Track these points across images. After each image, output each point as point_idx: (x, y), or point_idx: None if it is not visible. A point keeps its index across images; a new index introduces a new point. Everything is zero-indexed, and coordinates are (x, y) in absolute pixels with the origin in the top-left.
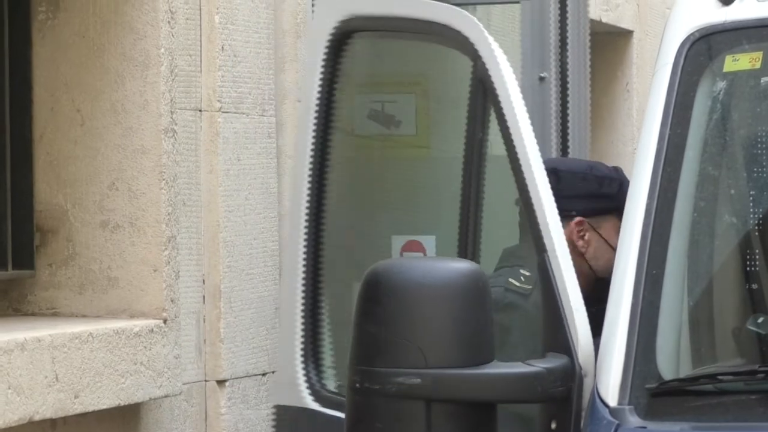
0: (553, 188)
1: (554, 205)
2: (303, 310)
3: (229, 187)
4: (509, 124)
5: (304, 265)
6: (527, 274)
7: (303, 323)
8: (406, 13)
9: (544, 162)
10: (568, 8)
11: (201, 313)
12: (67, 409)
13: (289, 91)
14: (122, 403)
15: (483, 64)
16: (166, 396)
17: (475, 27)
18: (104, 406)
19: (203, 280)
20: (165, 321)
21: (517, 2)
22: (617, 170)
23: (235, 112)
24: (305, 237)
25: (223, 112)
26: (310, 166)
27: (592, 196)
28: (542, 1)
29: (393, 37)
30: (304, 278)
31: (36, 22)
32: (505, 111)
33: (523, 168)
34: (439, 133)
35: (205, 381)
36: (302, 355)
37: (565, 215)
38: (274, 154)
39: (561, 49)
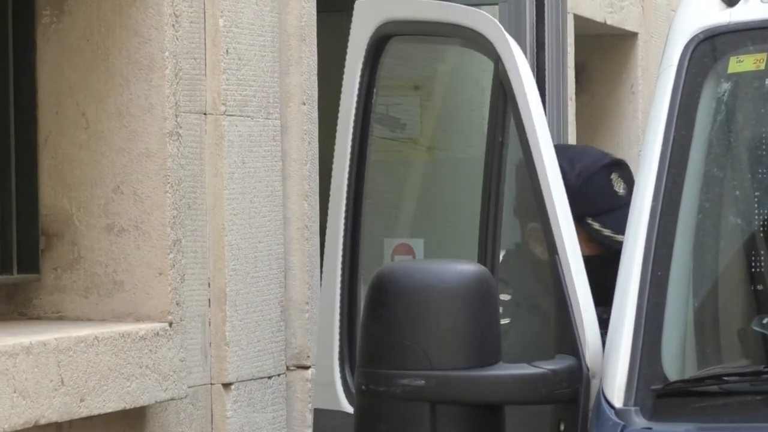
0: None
1: (568, 208)
2: (341, 313)
3: (234, 190)
4: (525, 125)
5: (342, 267)
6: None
7: (340, 326)
8: (436, 17)
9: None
10: (545, 10)
11: (206, 316)
12: (73, 412)
13: (293, 94)
14: (128, 407)
15: (503, 66)
16: (171, 399)
17: (496, 29)
18: (110, 410)
19: (208, 283)
20: (170, 324)
21: (496, 4)
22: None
23: (239, 115)
24: (343, 239)
25: (227, 115)
26: (349, 168)
27: None
28: (518, 3)
29: (426, 41)
30: (341, 281)
31: (40, 26)
32: (522, 113)
33: (538, 170)
34: (438, 135)
35: (211, 384)
36: (339, 358)
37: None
38: (279, 157)
39: (538, 51)
